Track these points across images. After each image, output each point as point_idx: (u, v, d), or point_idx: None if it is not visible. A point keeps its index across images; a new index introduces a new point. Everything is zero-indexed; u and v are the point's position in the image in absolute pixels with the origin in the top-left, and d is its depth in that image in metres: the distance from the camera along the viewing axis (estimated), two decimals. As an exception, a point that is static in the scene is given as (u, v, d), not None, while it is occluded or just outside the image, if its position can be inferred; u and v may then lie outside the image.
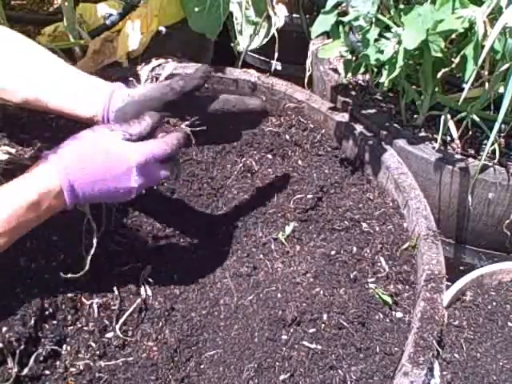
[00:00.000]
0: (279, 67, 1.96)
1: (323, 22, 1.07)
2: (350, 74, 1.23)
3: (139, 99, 0.86)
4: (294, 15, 1.82)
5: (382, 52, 1.04)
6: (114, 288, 0.94)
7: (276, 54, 1.44)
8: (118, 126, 0.81)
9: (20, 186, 0.75)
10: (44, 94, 0.88)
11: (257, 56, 2.07)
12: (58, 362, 0.84)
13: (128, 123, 0.82)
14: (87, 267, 0.86)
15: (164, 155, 0.81)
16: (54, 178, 0.76)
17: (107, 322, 0.90)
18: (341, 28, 1.09)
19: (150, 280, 0.97)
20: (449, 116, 1.18)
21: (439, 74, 1.06)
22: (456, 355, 1.06)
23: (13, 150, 1.06)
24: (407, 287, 0.97)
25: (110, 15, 1.50)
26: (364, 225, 1.06)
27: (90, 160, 0.77)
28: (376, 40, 1.04)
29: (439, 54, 1.02)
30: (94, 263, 0.96)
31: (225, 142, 1.18)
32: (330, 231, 1.06)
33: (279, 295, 0.94)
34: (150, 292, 0.96)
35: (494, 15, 0.95)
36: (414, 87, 1.21)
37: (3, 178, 1.00)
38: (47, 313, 0.87)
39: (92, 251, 0.86)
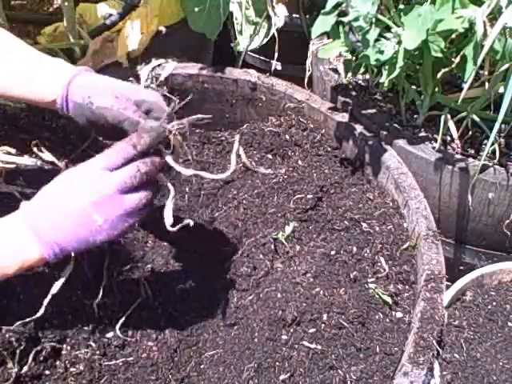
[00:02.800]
0: (279, 67, 1.96)
1: (323, 23, 1.07)
2: (349, 74, 1.23)
3: (95, 111, 0.81)
4: (294, 15, 1.82)
5: (381, 52, 1.04)
6: (114, 288, 0.94)
7: (276, 54, 1.44)
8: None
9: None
10: (4, 83, 0.84)
11: (257, 56, 2.07)
12: (57, 362, 0.84)
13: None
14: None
15: (129, 187, 0.74)
16: (31, 244, 0.71)
17: (107, 322, 0.90)
18: (341, 28, 1.09)
19: (150, 280, 0.97)
20: (449, 116, 1.18)
21: (439, 74, 1.06)
22: (456, 355, 1.06)
23: (13, 150, 1.06)
24: (407, 287, 0.97)
25: (110, 15, 1.50)
26: (364, 225, 1.06)
27: (58, 215, 0.73)
28: (376, 40, 1.04)
29: (439, 54, 1.02)
30: (95, 263, 0.96)
31: None
32: (330, 231, 1.06)
33: (279, 295, 0.94)
34: (149, 292, 0.96)
35: (494, 15, 0.95)
36: (414, 87, 1.21)
37: (3, 178, 1.00)
38: (47, 313, 0.87)
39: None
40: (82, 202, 0.72)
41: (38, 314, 0.79)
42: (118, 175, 0.74)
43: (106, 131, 0.84)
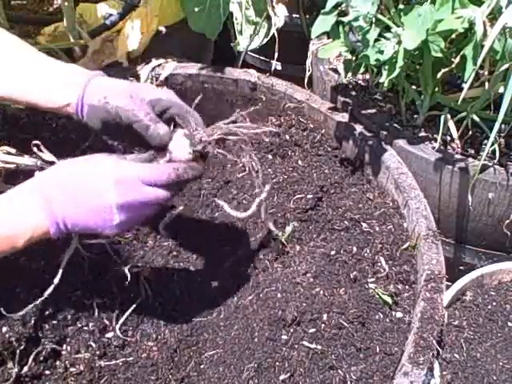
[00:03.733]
0: (279, 67, 1.96)
1: (323, 23, 1.07)
2: (349, 74, 1.23)
3: (111, 111, 0.81)
4: (294, 15, 1.82)
5: (381, 52, 1.04)
6: (114, 288, 0.94)
7: (276, 54, 1.44)
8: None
9: (5, 218, 0.72)
10: (16, 90, 0.84)
11: (257, 56, 2.07)
12: (57, 362, 0.84)
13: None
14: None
15: (154, 181, 0.75)
16: (40, 216, 0.72)
17: (107, 322, 0.90)
18: (341, 28, 1.09)
19: (150, 280, 0.97)
20: (449, 116, 1.18)
21: (439, 74, 1.06)
22: (456, 355, 1.06)
23: (13, 150, 1.06)
24: (407, 287, 0.97)
25: (110, 15, 1.50)
26: (364, 225, 1.06)
27: (75, 194, 0.73)
28: (376, 40, 1.04)
29: (439, 54, 1.02)
30: (94, 263, 0.96)
31: None
32: (330, 231, 1.06)
33: (279, 295, 0.94)
34: (149, 292, 0.96)
35: (494, 15, 0.95)
36: (414, 87, 1.21)
37: (3, 178, 1.00)
38: (47, 313, 0.88)
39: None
40: (105, 186, 0.72)
41: (50, 290, 0.80)
42: (147, 168, 0.75)
43: (120, 133, 0.84)
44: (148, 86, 0.90)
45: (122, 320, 0.90)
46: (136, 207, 0.75)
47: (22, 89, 0.84)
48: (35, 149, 1.01)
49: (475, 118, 1.15)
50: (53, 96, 0.83)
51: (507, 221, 1.14)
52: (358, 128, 1.20)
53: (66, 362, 0.85)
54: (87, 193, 0.72)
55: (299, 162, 1.19)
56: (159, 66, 1.32)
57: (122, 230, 0.76)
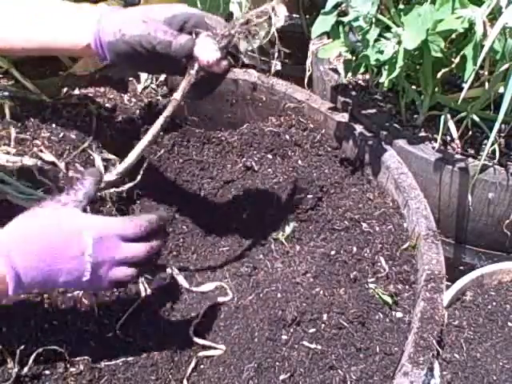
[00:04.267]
0: (279, 67, 1.96)
1: (323, 23, 1.07)
2: (350, 74, 1.23)
3: (130, 40, 0.79)
4: (294, 15, 1.82)
5: (381, 52, 1.04)
6: (114, 288, 0.94)
7: (276, 54, 1.44)
8: (69, 196, 0.71)
9: None
10: (34, 34, 0.84)
11: (257, 56, 2.07)
12: (57, 362, 0.84)
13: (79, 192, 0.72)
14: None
15: (131, 236, 0.70)
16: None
17: (107, 322, 0.90)
18: (341, 28, 1.09)
19: (150, 280, 0.97)
20: (449, 116, 1.17)
21: (439, 74, 1.06)
22: (456, 355, 1.06)
23: (13, 150, 1.06)
24: (407, 287, 0.97)
25: (110, 15, 1.50)
26: (364, 225, 1.06)
27: (38, 239, 0.67)
28: (376, 40, 1.04)
29: (439, 54, 1.02)
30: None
31: None
32: (330, 231, 1.06)
33: (279, 295, 0.94)
34: (149, 292, 0.96)
35: (494, 15, 0.95)
36: (414, 87, 1.21)
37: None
38: (47, 313, 0.87)
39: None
40: (83, 237, 0.67)
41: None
42: (129, 223, 0.71)
43: (145, 63, 0.82)
44: (160, 5, 0.87)
45: (122, 320, 0.90)
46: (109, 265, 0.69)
47: (47, 36, 0.84)
48: (35, 149, 1.02)
49: (475, 118, 1.15)
50: (72, 41, 0.83)
51: (507, 221, 1.14)
52: (358, 128, 1.20)
53: (66, 362, 0.84)
54: (57, 244, 0.67)
55: (299, 161, 1.19)
56: (159, 66, 1.32)
57: (90, 287, 0.70)
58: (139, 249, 0.71)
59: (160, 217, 0.74)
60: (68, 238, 0.67)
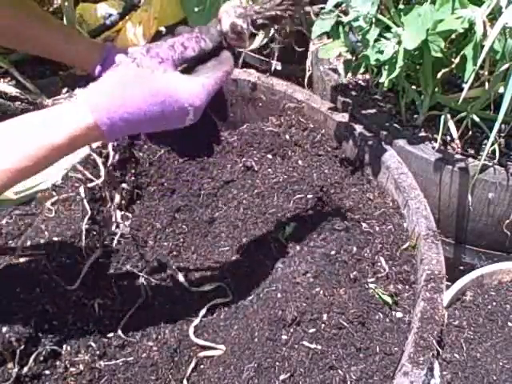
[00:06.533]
0: (279, 67, 1.96)
1: (323, 23, 1.07)
2: (350, 74, 1.23)
3: None
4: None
5: (381, 52, 1.03)
6: (114, 288, 0.94)
7: (276, 54, 1.44)
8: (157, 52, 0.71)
9: (47, 127, 0.66)
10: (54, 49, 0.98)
11: (257, 56, 2.07)
12: (57, 362, 0.84)
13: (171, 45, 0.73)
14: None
15: (221, 85, 0.76)
16: (86, 115, 0.66)
17: (107, 322, 0.90)
18: (341, 28, 1.09)
19: (150, 280, 0.97)
20: (449, 116, 1.17)
21: (439, 74, 1.06)
22: (456, 355, 1.06)
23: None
24: (407, 287, 0.97)
25: (110, 15, 1.51)
26: (364, 225, 1.06)
27: (131, 93, 0.68)
28: (376, 40, 1.04)
29: (439, 54, 1.02)
30: (95, 263, 0.96)
31: None
32: (330, 231, 1.06)
33: (279, 295, 0.94)
34: (150, 292, 0.96)
35: (494, 15, 0.95)
36: (414, 87, 1.21)
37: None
38: (47, 313, 0.87)
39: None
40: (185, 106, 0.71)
41: None
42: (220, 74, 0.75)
43: None
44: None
45: (122, 320, 0.90)
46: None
47: (61, 48, 0.98)
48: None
49: (475, 118, 1.15)
50: (87, 58, 0.97)
51: (507, 221, 1.14)
52: (358, 128, 1.20)
53: (66, 362, 0.85)
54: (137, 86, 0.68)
55: (299, 161, 1.19)
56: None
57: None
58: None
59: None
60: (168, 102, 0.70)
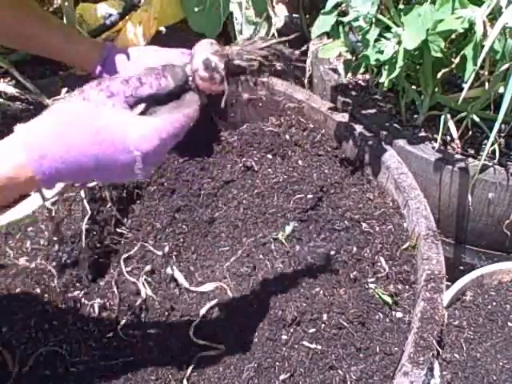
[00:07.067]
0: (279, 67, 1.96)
1: (323, 23, 1.07)
2: (350, 74, 1.23)
3: None
4: (294, 15, 1.82)
5: (381, 52, 1.04)
6: (114, 288, 0.94)
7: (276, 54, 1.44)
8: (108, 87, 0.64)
9: None
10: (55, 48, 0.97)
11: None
12: (58, 362, 0.84)
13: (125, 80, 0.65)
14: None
15: (180, 133, 0.65)
16: (20, 153, 0.59)
17: (107, 322, 0.90)
18: (341, 28, 1.09)
19: (150, 280, 0.97)
20: (449, 116, 1.17)
21: (439, 74, 1.06)
22: (456, 355, 1.06)
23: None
24: (407, 287, 0.97)
25: (110, 15, 1.50)
26: (364, 225, 1.06)
27: (69, 133, 0.60)
28: (376, 40, 1.04)
29: (439, 54, 1.02)
30: (95, 263, 0.96)
31: None
32: (330, 231, 1.06)
33: (279, 295, 0.94)
34: (149, 292, 0.96)
35: (494, 15, 0.95)
36: (414, 87, 1.21)
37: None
38: (47, 313, 0.87)
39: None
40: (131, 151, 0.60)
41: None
42: (179, 118, 0.65)
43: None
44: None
45: (122, 320, 0.90)
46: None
47: (61, 47, 0.97)
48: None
49: (475, 118, 1.15)
50: (87, 58, 0.95)
51: (507, 221, 1.14)
52: (358, 128, 1.20)
53: (66, 362, 0.85)
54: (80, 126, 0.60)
55: (299, 161, 1.19)
56: (159, 66, 1.32)
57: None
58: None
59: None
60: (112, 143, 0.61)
